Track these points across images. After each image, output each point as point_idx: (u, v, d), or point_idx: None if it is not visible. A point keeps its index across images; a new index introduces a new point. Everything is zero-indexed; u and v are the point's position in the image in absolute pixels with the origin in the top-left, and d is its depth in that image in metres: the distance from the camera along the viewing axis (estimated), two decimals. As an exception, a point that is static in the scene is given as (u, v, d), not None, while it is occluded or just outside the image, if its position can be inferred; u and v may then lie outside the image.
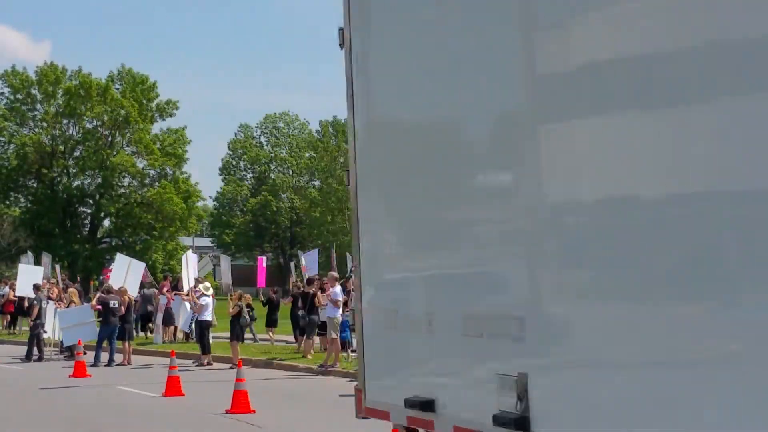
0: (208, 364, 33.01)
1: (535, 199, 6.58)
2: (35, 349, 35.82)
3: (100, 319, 34.65)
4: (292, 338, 38.22)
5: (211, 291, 34.82)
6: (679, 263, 5.38)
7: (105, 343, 33.64)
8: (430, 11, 8.00)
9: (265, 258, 45.43)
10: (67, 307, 36.69)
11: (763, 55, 4.88)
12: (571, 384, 6.25)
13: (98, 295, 36.47)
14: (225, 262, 40.77)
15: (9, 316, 47.10)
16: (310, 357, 32.87)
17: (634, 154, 5.68)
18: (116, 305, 33.68)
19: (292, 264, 68.96)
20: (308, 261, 38.65)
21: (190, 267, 37.30)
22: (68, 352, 35.33)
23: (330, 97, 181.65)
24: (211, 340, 33.78)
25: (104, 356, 33.49)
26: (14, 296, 44.28)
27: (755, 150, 4.93)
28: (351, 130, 9.36)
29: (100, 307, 34.27)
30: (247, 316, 34.69)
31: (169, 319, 39.24)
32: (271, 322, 38.86)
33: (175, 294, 39.13)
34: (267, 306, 39.38)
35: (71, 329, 34.35)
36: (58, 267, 47.08)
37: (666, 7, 5.52)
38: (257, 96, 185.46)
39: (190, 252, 39.47)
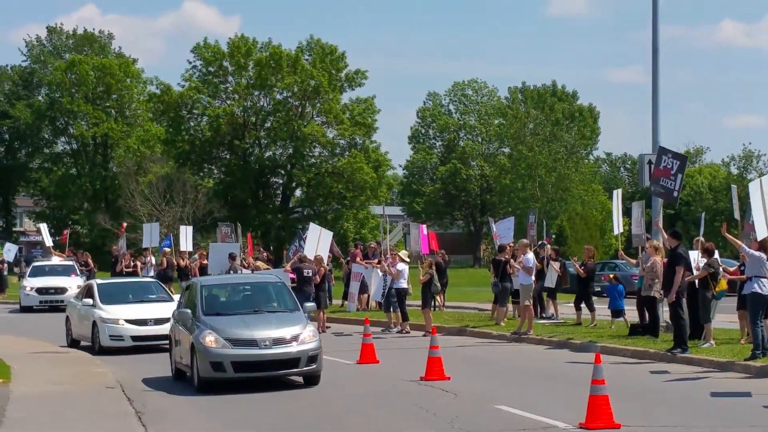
0: (406, 332, 32.92)
1: None
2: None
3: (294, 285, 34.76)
4: (486, 305, 37.87)
5: (408, 258, 34.72)
6: None
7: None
8: None
9: (424, 226, 44.89)
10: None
11: None
12: None
13: (292, 261, 36.69)
14: (415, 229, 40.51)
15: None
16: (503, 324, 32.47)
17: None
18: (310, 274, 33.75)
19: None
20: (501, 229, 38.10)
21: (320, 241, 37.23)
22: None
23: (518, 64, 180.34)
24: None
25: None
26: (204, 262, 44.89)
27: None
28: None
29: (293, 274, 34.35)
30: (438, 284, 34.44)
31: (362, 288, 39.26)
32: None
33: (367, 263, 39.08)
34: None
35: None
36: (249, 236, 47.56)
37: None
38: (445, 64, 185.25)
39: (323, 230, 39.31)
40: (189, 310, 22.10)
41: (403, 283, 33.56)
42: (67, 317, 31.50)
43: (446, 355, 22.61)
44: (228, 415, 18.26)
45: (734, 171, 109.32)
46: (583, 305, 32.21)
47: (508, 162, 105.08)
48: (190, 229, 48.81)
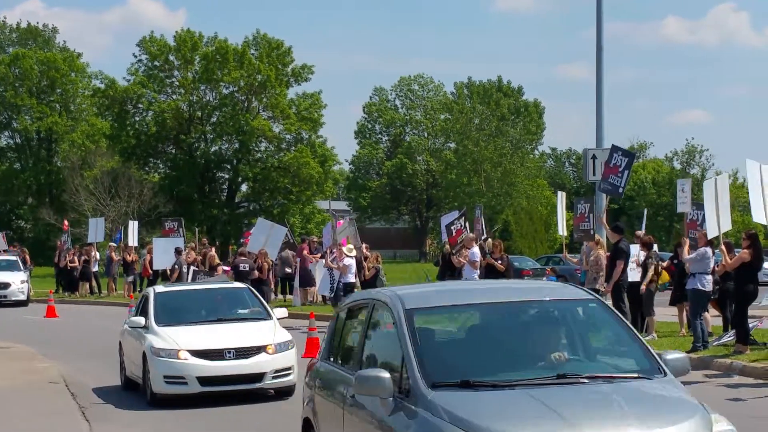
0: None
1: None
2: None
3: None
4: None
5: (354, 253, 34.79)
6: None
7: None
8: None
9: (342, 221, 45.09)
10: (207, 270, 36.82)
11: None
12: None
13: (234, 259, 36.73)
14: (352, 226, 40.57)
15: (147, 281, 47.68)
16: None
17: None
18: (246, 268, 33.73)
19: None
20: (447, 223, 38.20)
21: (271, 236, 37.25)
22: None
23: (464, 59, 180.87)
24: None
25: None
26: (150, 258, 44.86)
27: None
28: None
29: (229, 270, 34.38)
30: (384, 278, 34.54)
31: (307, 282, 39.26)
32: None
33: (315, 257, 39.10)
34: None
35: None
36: (196, 230, 47.52)
37: None
38: (391, 59, 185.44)
39: (275, 225, 39.33)
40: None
41: (351, 278, 33.64)
42: (120, 345, 21.75)
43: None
44: (174, 407, 18.25)
45: (677, 166, 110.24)
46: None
47: (453, 157, 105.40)
48: (136, 224, 48.72)
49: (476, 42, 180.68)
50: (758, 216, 22.47)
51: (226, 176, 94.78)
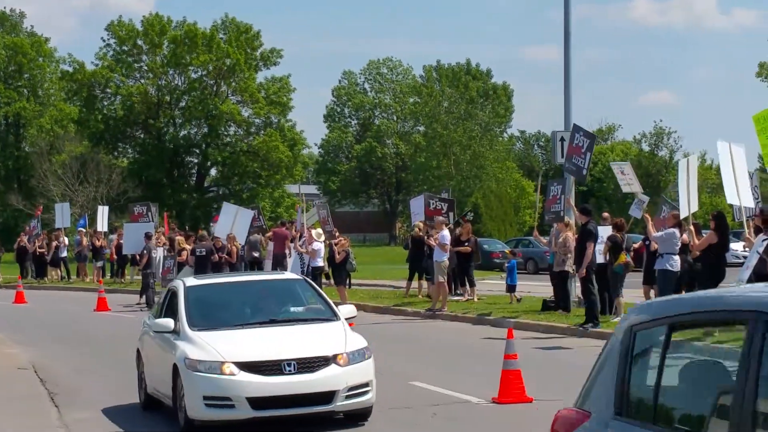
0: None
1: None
2: (145, 297, 36.03)
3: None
4: (401, 283, 38.05)
5: (322, 237, 34.87)
6: None
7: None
8: None
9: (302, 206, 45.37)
10: (178, 254, 36.74)
11: None
12: None
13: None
14: (323, 209, 40.60)
15: (115, 265, 47.61)
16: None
17: None
18: (203, 252, 33.71)
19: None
20: (415, 206, 38.28)
21: (237, 220, 37.21)
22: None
23: (433, 42, 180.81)
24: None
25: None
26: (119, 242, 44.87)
27: None
28: None
29: (183, 258, 34.41)
30: (354, 262, 34.60)
31: (278, 266, 39.25)
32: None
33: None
34: None
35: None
36: (165, 215, 47.47)
37: None
38: (360, 42, 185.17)
39: (241, 208, 39.32)
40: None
41: (319, 262, 33.74)
42: (138, 352, 17.62)
43: (360, 331, 22.63)
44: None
45: (646, 148, 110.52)
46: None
47: (423, 140, 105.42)
48: (106, 209, 48.64)
49: (445, 24, 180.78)
50: (731, 197, 22.66)
51: (195, 161, 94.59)
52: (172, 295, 16.44)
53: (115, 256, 45.88)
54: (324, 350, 14.61)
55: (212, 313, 15.90)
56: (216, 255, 34.27)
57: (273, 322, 15.66)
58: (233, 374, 14.20)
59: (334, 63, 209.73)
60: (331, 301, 16.39)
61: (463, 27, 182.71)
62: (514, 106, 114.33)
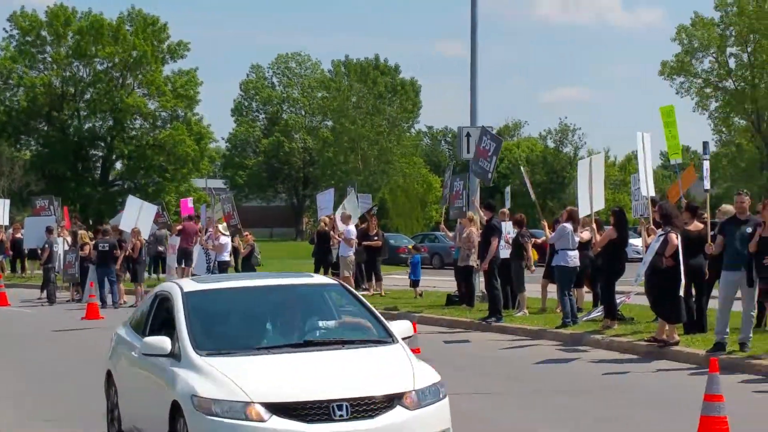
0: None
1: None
2: (46, 292, 35.58)
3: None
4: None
5: (227, 231, 34.75)
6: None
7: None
8: None
9: (190, 199, 45.41)
10: (80, 249, 36.33)
11: None
12: None
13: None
14: (228, 203, 40.36)
15: (9, 261, 46.86)
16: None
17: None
18: (106, 247, 33.38)
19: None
20: (322, 201, 38.25)
21: (141, 214, 36.91)
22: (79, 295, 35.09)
23: (341, 37, 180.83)
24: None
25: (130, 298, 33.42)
26: (18, 236, 44.29)
27: None
28: None
29: (86, 252, 34.09)
30: (259, 257, 34.55)
31: (185, 261, 39.01)
32: None
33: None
34: None
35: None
36: (65, 209, 46.92)
37: None
38: (269, 36, 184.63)
39: (145, 203, 39.01)
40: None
41: (226, 256, 33.61)
42: (109, 376, 13.31)
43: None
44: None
45: (551, 145, 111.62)
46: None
47: (331, 135, 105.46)
48: (7, 202, 47.87)
49: (354, 19, 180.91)
50: (584, 209, 23.10)
51: (100, 154, 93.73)
52: (161, 301, 12.25)
53: (10, 252, 45.22)
54: (386, 387, 10.45)
55: (224, 330, 11.67)
56: (118, 250, 33.90)
57: (309, 344, 11.32)
58: (263, 420, 10.10)
59: (242, 57, 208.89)
60: (380, 315, 11.99)
61: (372, 22, 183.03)
62: (422, 101, 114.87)
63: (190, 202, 44.28)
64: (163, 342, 11.14)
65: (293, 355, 10.94)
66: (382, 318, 11.80)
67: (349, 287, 13.13)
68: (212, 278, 14.59)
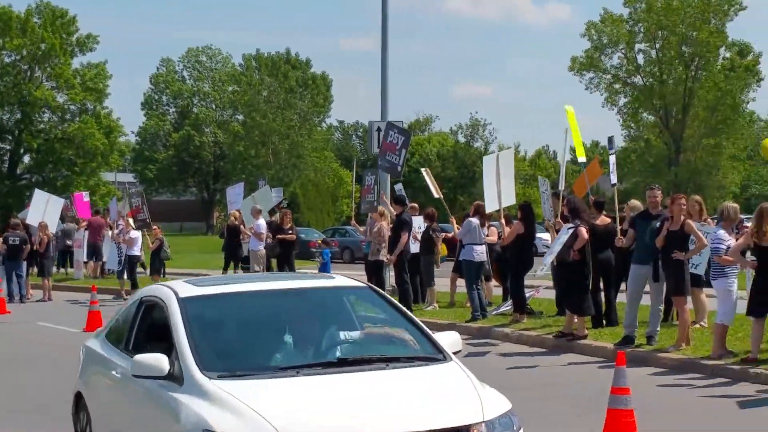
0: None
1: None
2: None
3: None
4: (215, 272, 37.86)
5: (135, 225, 34.54)
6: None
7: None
8: None
9: (85, 194, 45.19)
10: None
11: None
12: None
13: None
14: (137, 198, 40.09)
15: None
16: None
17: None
18: (17, 242, 33.00)
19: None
20: (232, 195, 38.16)
21: (48, 208, 36.55)
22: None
23: (252, 31, 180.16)
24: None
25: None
26: None
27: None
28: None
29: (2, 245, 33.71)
30: (168, 251, 34.39)
31: (95, 255, 38.68)
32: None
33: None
34: None
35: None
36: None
37: None
38: (179, 30, 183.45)
39: (52, 196, 38.65)
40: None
41: (136, 251, 33.38)
42: (79, 399, 11.06)
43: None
44: None
45: (462, 139, 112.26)
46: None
47: (241, 129, 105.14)
48: None
49: (265, 13, 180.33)
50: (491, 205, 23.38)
51: (8, 147, 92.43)
52: (148, 309, 10.08)
53: None
54: (449, 419, 8.06)
55: (235, 346, 9.38)
56: (28, 245, 33.53)
57: (343, 363, 8.95)
58: None
59: (153, 50, 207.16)
60: (424, 326, 9.74)
61: (283, 16, 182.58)
62: (333, 96, 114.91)
63: (85, 196, 43.80)
64: (160, 361, 8.75)
65: (326, 377, 8.58)
66: (427, 329, 9.60)
67: (381, 291, 10.65)
68: (209, 280, 11.41)
